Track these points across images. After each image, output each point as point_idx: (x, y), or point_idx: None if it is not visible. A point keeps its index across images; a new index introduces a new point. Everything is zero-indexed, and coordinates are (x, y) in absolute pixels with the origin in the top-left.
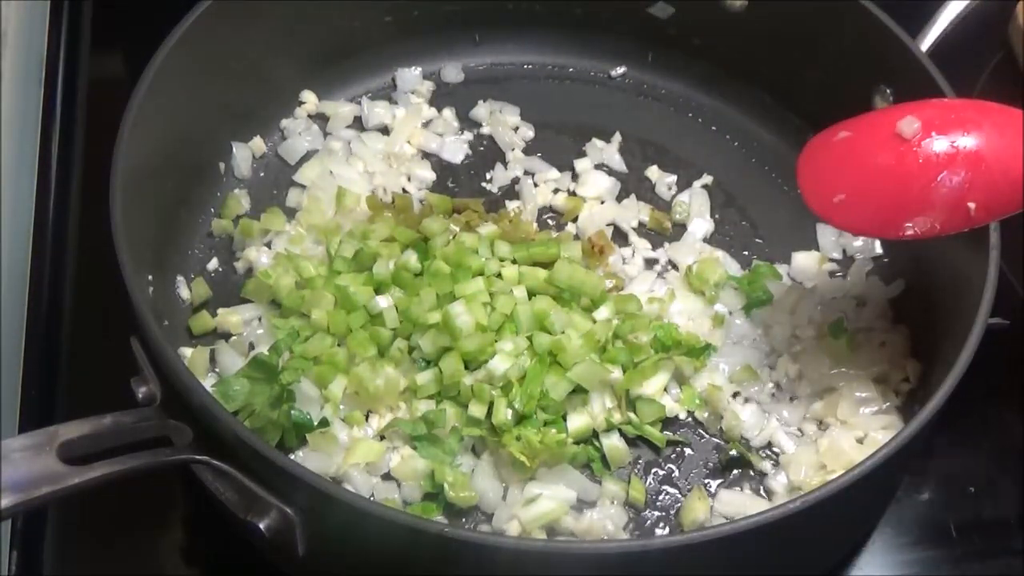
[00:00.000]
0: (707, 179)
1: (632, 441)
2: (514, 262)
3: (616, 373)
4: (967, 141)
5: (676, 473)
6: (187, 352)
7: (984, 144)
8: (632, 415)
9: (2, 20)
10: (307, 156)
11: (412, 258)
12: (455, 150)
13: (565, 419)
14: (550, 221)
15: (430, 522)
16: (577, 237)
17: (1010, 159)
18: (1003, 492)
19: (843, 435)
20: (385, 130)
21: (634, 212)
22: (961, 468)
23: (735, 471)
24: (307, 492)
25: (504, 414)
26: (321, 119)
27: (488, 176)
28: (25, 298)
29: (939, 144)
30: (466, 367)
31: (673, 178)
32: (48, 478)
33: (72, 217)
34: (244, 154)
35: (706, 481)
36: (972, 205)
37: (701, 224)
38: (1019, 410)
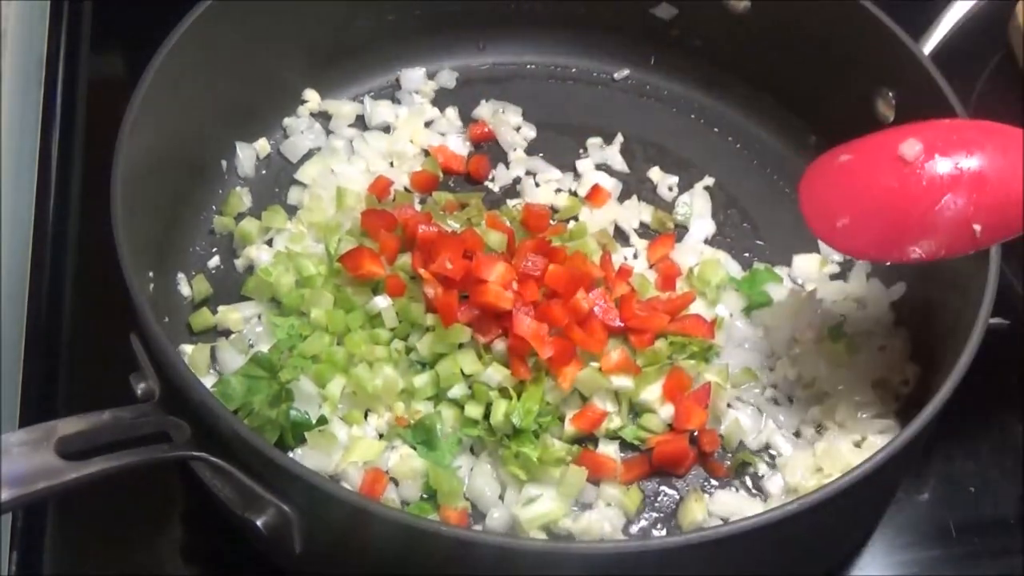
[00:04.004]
0: (708, 180)
1: (631, 443)
2: None
3: (616, 381)
4: (970, 162)
5: (673, 475)
6: (187, 349)
7: (987, 165)
8: (631, 418)
9: (2, 20)
10: (309, 154)
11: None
12: (457, 150)
13: (563, 420)
14: (551, 221)
15: (428, 521)
16: None
17: (1012, 179)
18: (1003, 492)
19: (841, 438)
20: (387, 129)
21: (635, 213)
22: (961, 468)
23: (732, 473)
24: (305, 490)
25: (502, 415)
26: (323, 118)
27: (490, 176)
28: (25, 296)
29: (942, 166)
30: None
31: (675, 179)
32: (46, 473)
33: (72, 217)
34: (248, 154)
35: (703, 483)
36: (978, 227)
37: (702, 225)
38: (1019, 410)
